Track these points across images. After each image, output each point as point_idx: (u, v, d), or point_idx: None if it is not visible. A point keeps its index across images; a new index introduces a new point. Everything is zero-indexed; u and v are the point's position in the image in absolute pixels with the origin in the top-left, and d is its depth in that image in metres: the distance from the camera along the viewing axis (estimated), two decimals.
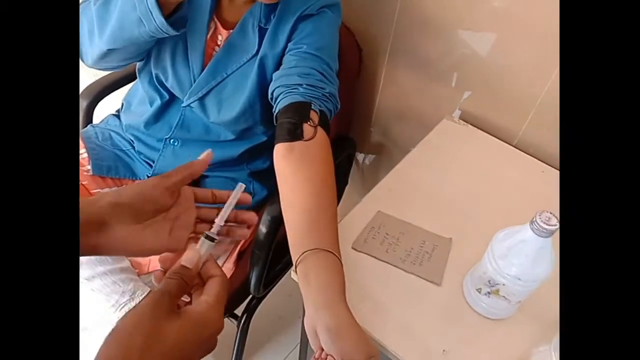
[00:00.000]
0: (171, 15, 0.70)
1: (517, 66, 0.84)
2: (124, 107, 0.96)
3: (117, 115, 0.99)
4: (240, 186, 0.51)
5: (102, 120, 0.99)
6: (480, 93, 0.92)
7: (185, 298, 0.45)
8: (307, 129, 0.68)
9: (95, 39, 0.75)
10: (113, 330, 0.37)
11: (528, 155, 0.88)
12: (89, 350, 0.80)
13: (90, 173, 0.85)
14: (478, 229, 0.71)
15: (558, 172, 0.85)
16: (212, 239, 0.46)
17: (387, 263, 0.67)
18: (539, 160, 0.87)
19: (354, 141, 1.07)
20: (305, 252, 0.57)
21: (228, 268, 0.92)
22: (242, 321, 0.97)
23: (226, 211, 0.49)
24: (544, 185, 0.83)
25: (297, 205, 0.64)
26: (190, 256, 0.43)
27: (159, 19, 0.67)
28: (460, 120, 0.94)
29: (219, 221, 0.48)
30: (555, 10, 0.74)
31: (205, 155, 0.53)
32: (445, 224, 0.74)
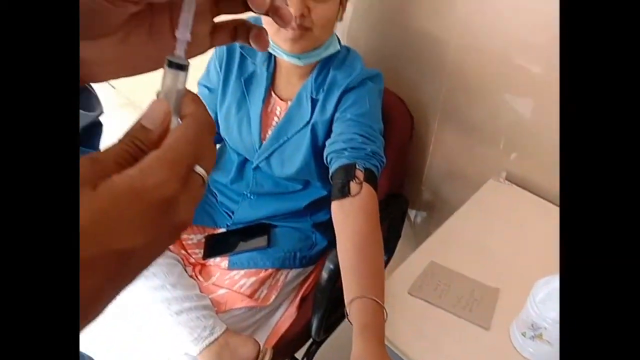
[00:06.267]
0: None
1: (556, 127, 0.93)
2: None
3: None
4: None
5: None
6: (524, 153, 1.01)
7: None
8: (354, 186, 0.80)
9: None
10: None
11: None
12: None
13: None
14: (523, 279, 0.78)
15: None
16: (180, 66, 0.28)
17: (440, 308, 0.75)
18: None
19: (406, 198, 1.17)
20: (352, 300, 0.68)
21: (291, 313, 1.02)
22: None
23: (188, 16, 0.29)
24: None
25: (344, 256, 0.76)
26: (154, 109, 0.26)
27: None
28: (506, 181, 1.03)
29: (182, 34, 0.29)
30: None
31: None
32: (492, 275, 0.81)
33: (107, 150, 0.24)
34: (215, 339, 0.87)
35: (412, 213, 1.35)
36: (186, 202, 0.25)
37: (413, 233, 1.36)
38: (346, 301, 0.71)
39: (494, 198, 0.99)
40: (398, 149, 1.10)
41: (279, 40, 0.86)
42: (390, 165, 1.07)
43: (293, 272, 1.03)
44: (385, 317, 0.68)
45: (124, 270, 0.23)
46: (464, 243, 0.88)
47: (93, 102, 0.35)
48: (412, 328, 0.72)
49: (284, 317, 1.01)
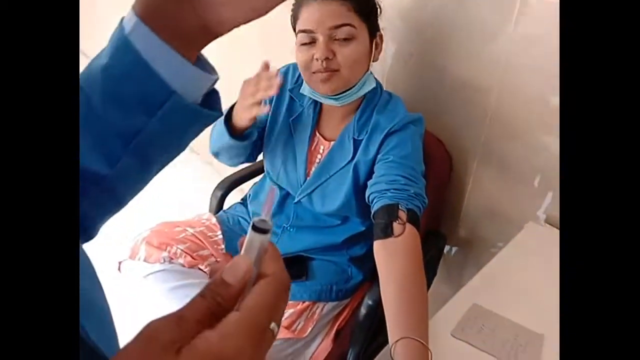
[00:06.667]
0: (242, 132, 0.97)
1: None
2: (251, 197, 1.16)
3: (242, 203, 1.19)
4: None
5: (230, 207, 1.19)
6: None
7: None
8: (397, 227, 0.81)
9: (211, 142, 1.04)
10: None
11: None
12: None
13: (224, 251, 1.04)
14: None
15: None
16: (262, 230, 0.30)
17: (484, 351, 0.75)
18: None
19: (444, 236, 1.18)
20: (397, 340, 0.70)
21: (327, 345, 1.03)
22: None
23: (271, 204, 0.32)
24: None
25: (387, 295, 0.78)
26: (237, 266, 0.28)
27: (227, 137, 0.96)
28: (546, 224, 1.03)
29: (267, 212, 0.31)
30: None
31: None
32: (536, 320, 0.81)
33: (191, 307, 0.26)
34: None
35: (446, 248, 1.35)
36: None
37: (447, 270, 1.36)
38: (390, 340, 0.72)
39: (535, 241, 0.99)
40: (437, 188, 1.11)
41: (313, 84, 0.92)
42: (429, 204, 1.09)
43: (329, 305, 1.04)
44: (430, 358, 0.69)
45: None
46: (506, 286, 0.88)
47: (208, 68, 0.39)
48: None
49: (320, 349, 1.02)
